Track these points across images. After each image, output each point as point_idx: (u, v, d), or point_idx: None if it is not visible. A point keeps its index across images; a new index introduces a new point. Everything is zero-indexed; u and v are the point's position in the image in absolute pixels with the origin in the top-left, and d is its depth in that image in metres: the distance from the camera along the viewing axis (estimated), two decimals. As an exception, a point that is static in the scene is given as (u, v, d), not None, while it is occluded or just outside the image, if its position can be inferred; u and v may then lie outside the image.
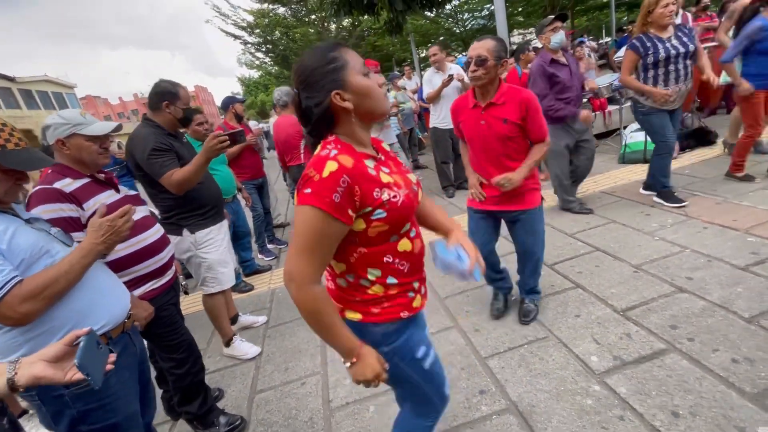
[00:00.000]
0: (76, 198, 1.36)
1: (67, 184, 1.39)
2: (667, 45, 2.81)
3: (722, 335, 1.79)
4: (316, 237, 0.85)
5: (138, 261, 1.53)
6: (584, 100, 4.56)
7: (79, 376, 0.75)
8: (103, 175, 1.56)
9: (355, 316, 1.00)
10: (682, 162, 4.05)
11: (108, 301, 1.18)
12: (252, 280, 3.58)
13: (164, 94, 2.01)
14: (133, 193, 1.67)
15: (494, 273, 2.29)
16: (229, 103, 3.80)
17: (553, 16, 3.10)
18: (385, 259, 0.96)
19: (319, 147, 0.93)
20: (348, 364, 0.94)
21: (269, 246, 4.27)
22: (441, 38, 19.25)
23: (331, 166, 0.83)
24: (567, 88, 3.08)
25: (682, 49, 2.80)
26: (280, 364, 2.35)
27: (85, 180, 1.45)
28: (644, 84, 2.95)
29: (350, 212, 0.87)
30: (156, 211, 2.13)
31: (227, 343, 2.49)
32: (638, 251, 2.64)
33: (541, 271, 2.22)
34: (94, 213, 1.37)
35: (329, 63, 0.88)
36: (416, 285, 1.04)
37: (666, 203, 3.19)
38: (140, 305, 1.47)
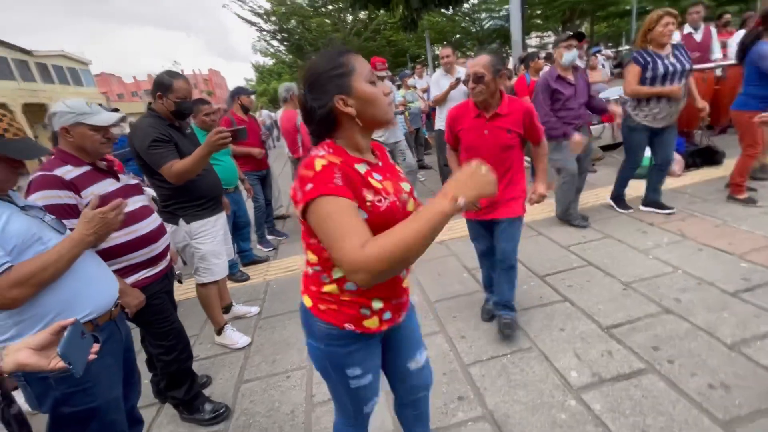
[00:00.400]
0: (74, 185, 1.40)
1: (68, 171, 1.43)
2: (666, 62, 2.86)
3: (702, 360, 1.80)
4: (338, 218, 0.81)
5: (132, 249, 1.57)
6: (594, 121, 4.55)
7: (61, 364, 0.80)
8: (105, 162, 1.60)
9: (307, 302, 1.07)
10: (684, 180, 4.03)
11: (94, 290, 1.22)
12: (249, 270, 3.64)
13: (158, 85, 2.05)
14: (133, 182, 1.71)
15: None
16: (236, 94, 3.85)
17: (570, 33, 3.12)
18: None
19: (314, 149, 0.96)
20: (460, 201, 0.79)
21: (269, 237, 4.32)
22: (457, 36, 19.10)
23: (321, 162, 0.87)
24: (567, 107, 3.08)
25: (678, 67, 2.86)
26: (269, 355, 2.41)
27: (86, 168, 1.49)
28: (639, 99, 3.03)
29: (353, 194, 0.87)
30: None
31: (219, 332, 2.55)
32: (630, 269, 2.65)
33: (516, 283, 2.20)
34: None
35: (337, 68, 0.92)
36: (376, 305, 1.02)
37: (617, 207, 3.57)
38: (131, 293, 1.52)
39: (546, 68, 4.34)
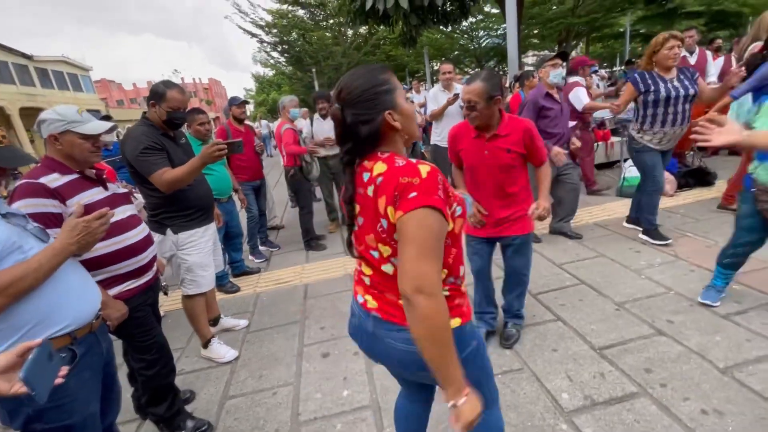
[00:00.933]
0: (60, 194, 1.38)
1: (54, 180, 1.40)
2: (669, 86, 2.84)
3: (695, 384, 1.78)
4: (434, 237, 0.82)
5: (117, 260, 1.54)
6: (590, 128, 4.59)
7: (23, 389, 0.76)
8: (93, 171, 1.58)
9: (455, 322, 0.99)
10: (677, 201, 4.06)
11: (75, 301, 1.19)
12: (239, 282, 3.58)
13: (153, 94, 2.05)
14: (122, 191, 1.69)
15: (486, 304, 2.34)
16: (228, 104, 3.89)
17: (555, 53, 3.19)
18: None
19: (380, 164, 0.91)
20: (461, 401, 0.83)
21: (261, 248, 4.28)
22: (455, 53, 19.42)
23: (425, 167, 0.86)
24: (554, 125, 3.11)
25: (682, 92, 2.83)
26: (255, 370, 2.35)
27: (74, 176, 1.47)
28: (642, 122, 3.00)
29: (448, 210, 0.89)
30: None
31: (205, 345, 2.49)
32: (623, 288, 2.64)
33: (526, 294, 2.28)
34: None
35: (383, 84, 0.94)
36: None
37: (652, 240, 3.20)
38: (114, 305, 1.48)
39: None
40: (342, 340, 2.52)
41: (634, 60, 6.98)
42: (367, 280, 1.06)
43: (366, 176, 0.95)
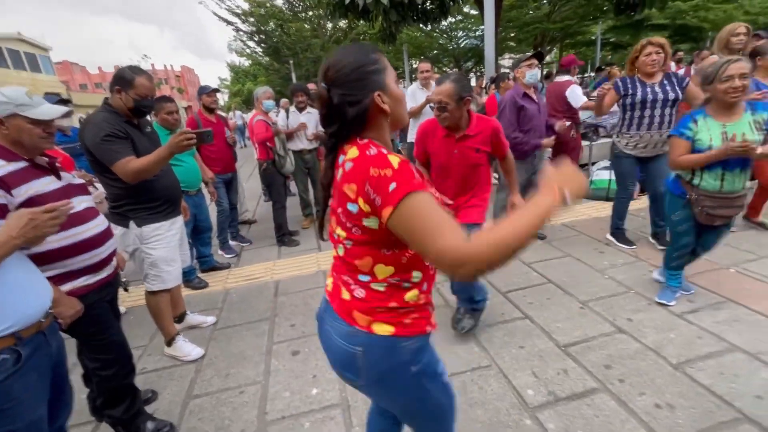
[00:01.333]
0: (5, 183, 1.26)
1: None
2: (647, 89, 2.86)
3: (650, 379, 1.87)
4: (430, 215, 0.77)
5: (72, 254, 1.44)
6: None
7: None
8: (46, 159, 1.47)
9: (386, 329, 0.91)
10: (640, 204, 4.25)
11: (20, 299, 1.10)
12: (208, 277, 3.47)
13: (118, 79, 1.93)
14: (78, 181, 1.58)
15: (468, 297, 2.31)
16: (198, 93, 3.76)
17: (530, 53, 3.25)
18: (425, 261, 0.93)
19: (354, 149, 0.86)
20: (567, 200, 0.78)
21: (232, 243, 4.16)
22: (434, 52, 19.54)
23: (395, 158, 0.81)
24: (533, 123, 3.18)
25: (661, 96, 2.82)
26: (222, 369, 2.28)
27: (22, 164, 1.36)
28: (621, 126, 3.09)
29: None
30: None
31: (169, 343, 2.40)
32: (587, 287, 2.74)
33: (479, 284, 2.29)
34: (25, 201, 1.29)
35: (374, 63, 0.88)
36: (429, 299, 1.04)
37: (617, 243, 3.35)
38: (67, 302, 1.39)
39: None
40: (312, 338, 2.49)
41: (603, 67, 7.24)
42: (331, 267, 1.06)
43: (341, 159, 0.89)
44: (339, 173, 0.89)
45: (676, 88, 2.85)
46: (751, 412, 1.63)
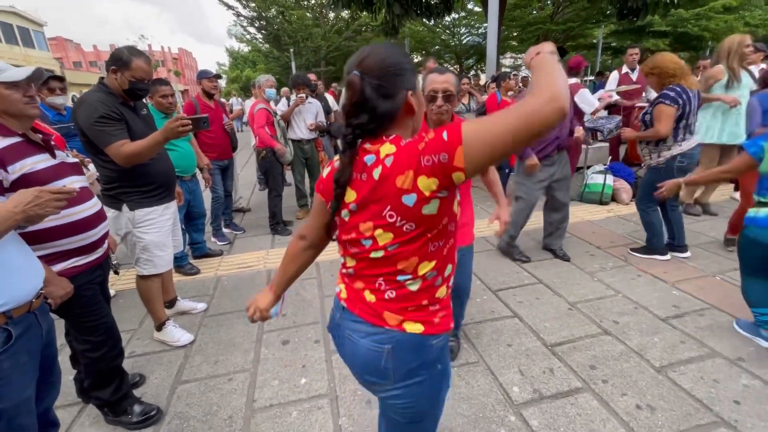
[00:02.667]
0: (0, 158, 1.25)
1: None
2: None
3: (633, 381, 1.92)
4: (491, 116, 0.76)
5: (64, 235, 1.43)
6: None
7: None
8: (40, 135, 1.45)
9: (417, 327, 0.91)
10: (631, 209, 4.31)
11: (13, 278, 1.09)
12: (200, 264, 3.46)
13: (115, 59, 1.90)
14: (72, 160, 1.55)
15: None
16: (198, 77, 3.68)
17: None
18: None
19: (387, 144, 0.84)
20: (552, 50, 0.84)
21: (225, 230, 4.14)
22: (436, 47, 19.44)
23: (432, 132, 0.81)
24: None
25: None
26: (211, 355, 2.29)
27: (16, 139, 1.33)
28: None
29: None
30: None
31: (159, 327, 2.39)
32: (576, 289, 2.78)
33: (465, 307, 2.19)
34: (19, 178, 1.27)
35: (409, 63, 0.89)
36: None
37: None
38: (58, 282, 1.38)
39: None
40: (303, 327, 2.50)
41: (603, 72, 7.28)
42: (347, 272, 1.00)
43: (370, 159, 0.85)
44: (376, 172, 0.83)
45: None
46: (728, 417, 1.68)
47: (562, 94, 0.69)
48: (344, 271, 1.01)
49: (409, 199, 0.80)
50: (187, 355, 2.30)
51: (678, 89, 2.73)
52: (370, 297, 0.93)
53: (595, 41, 17.19)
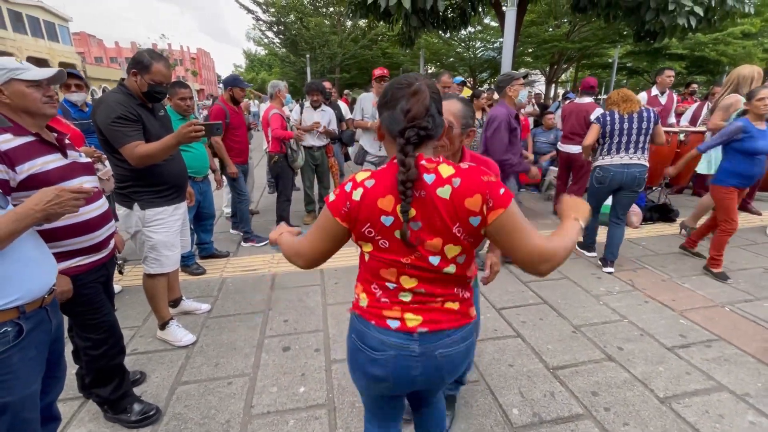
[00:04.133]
0: (8, 157, 1.24)
1: (5, 141, 1.26)
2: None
3: (635, 410, 1.88)
4: (522, 215, 0.94)
5: (69, 235, 1.45)
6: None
7: None
8: (54, 134, 1.47)
9: (474, 310, 1.08)
10: (640, 233, 4.26)
11: (29, 273, 1.12)
12: (206, 264, 3.49)
13: (136, 62, 1.95)
14: (84, 160, 1.55)
15: None
16: (230, 84, 3.77)
17: (523, 72, 3.27)
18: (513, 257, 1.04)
19: (444, 165, 0.93)
20: (582, 224, 1.05)
21: (232, 232, 4.20)
22: (450, 59, 19.56)
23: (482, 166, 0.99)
24: (516, 145, 3.11)
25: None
26: (212, 357, 2.30)
27: (28, 138, 1.33)
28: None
29: None
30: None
31: (162, 326, 2.41)
32: (581, 312, 2.75)
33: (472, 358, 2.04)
34: (27, 177, 1.28)
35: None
36: None
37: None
38: (57, 281, 1.38)
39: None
40: (304, 335, 2.50)
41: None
42: (406, 297, 0.98)
43: (430, 178, 0.90)
44: (445, 191, 0.90)
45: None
46: (732, 454, 1.64)
47: (560, 264, 0.92)
48: (406, 297, 0.98)
49: (475, 221, 0.91)
50: (189, 356, 2.31)
51: (607, 114, 3.25)
52: (454, 305, 1.02)
53: (610, 60, 17.18)
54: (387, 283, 0.99)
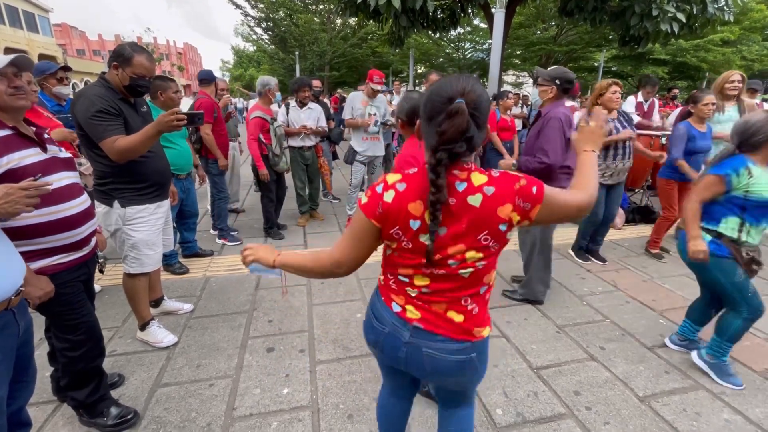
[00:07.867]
0: None
1: None
2: (615, 124, 3.22)
3: (616, 409, 1.91)
4: (556, 188, 1.00)
5: (49, 232, 1.40)
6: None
7: None
8: (33, 129, 1.42)
9: (487, 330, 1.08)
10: (623, 234, 4.35)
11: (-8, 274, 1.07)
12: (189, 263, 3.42)
13: (117, 55, 1.89)
14: (64, 155, 1.52)
15: None
16: (213, 78, 3.75)
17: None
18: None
19: (477, 174, 0.93)
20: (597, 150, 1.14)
21: (212, 232, 4.13)
22: (440, 60, 19.65)
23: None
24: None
25: (614, 132, 3.23)
26: (194, 359, 2.25)
27: (6, 132, 1.29)
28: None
29: None
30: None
31: (142, 327, 2.35)
32: (565, 312, 2.78)
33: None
34: (4, 172, 1.24)
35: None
36: None
37: (575, 257, 3.71)
38: (36, 282, 1.33)
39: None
40: (288, 335, 2.47)
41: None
42: (412, 292, 1.04)
43: (462, 186, 0.91)
44: (476, 199, 0.91)
45: (626, 126, 3.26)
46: (708, 451, 1.68)
47: (594, 200, 1.02)
48: (412, 292, 1.04)
49: (503, 227, 0.93)
50: (170, 357, 2.26)
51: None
52: (458, 317, 1.02)
53: (596, 64, 17.50)
54: (400, 276, 1.05)
